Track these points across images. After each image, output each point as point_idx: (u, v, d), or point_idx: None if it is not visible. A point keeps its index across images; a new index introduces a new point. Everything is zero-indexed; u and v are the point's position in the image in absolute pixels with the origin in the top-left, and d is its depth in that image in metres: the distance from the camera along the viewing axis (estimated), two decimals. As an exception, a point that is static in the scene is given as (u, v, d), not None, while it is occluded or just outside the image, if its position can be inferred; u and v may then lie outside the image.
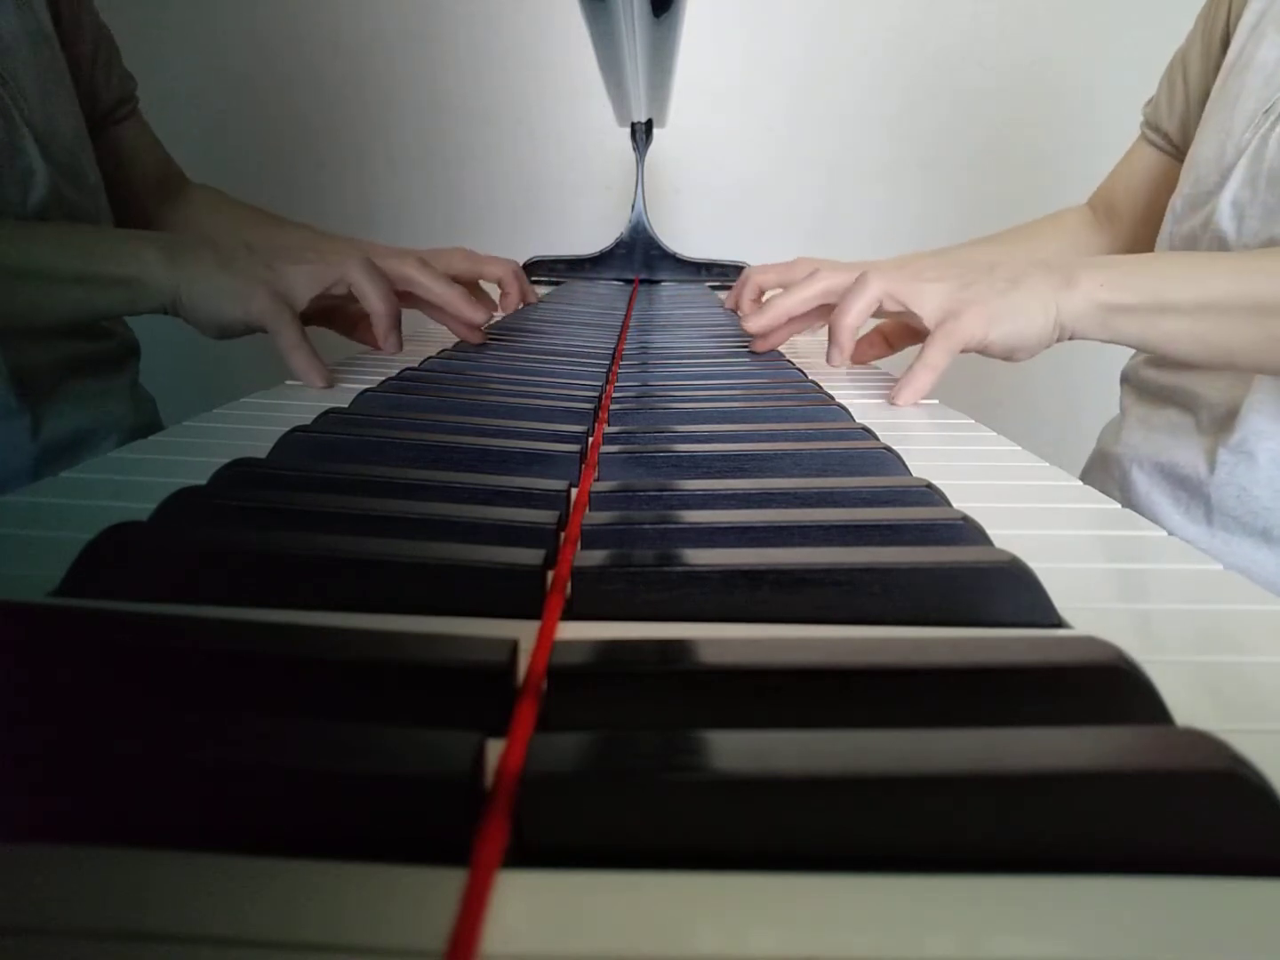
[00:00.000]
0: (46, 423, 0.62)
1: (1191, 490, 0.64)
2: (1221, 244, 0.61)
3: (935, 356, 0.51)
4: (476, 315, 0.61)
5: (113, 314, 0.54)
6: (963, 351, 0.52)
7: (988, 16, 1.30)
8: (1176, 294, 0.49)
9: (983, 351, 0.52)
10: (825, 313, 0.59)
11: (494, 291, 0.83)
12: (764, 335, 0.60)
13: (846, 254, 0.91)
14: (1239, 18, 0.64)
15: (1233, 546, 0.61)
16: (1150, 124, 0.77)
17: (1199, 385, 0.64)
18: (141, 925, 0.12)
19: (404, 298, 0.61)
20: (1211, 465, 0.62)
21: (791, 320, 0.59)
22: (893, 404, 0.52)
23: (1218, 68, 0.67)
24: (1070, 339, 0.52)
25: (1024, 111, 1.33)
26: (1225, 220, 0.60)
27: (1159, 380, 0.69)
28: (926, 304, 0.53)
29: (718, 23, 1.28)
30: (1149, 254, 0.52)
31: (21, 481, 0.55)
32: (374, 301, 0.56)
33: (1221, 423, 0.62)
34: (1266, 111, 0.58)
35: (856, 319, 0.54)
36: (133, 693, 0.18)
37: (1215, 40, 0.69)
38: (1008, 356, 0.52)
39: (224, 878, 0.13)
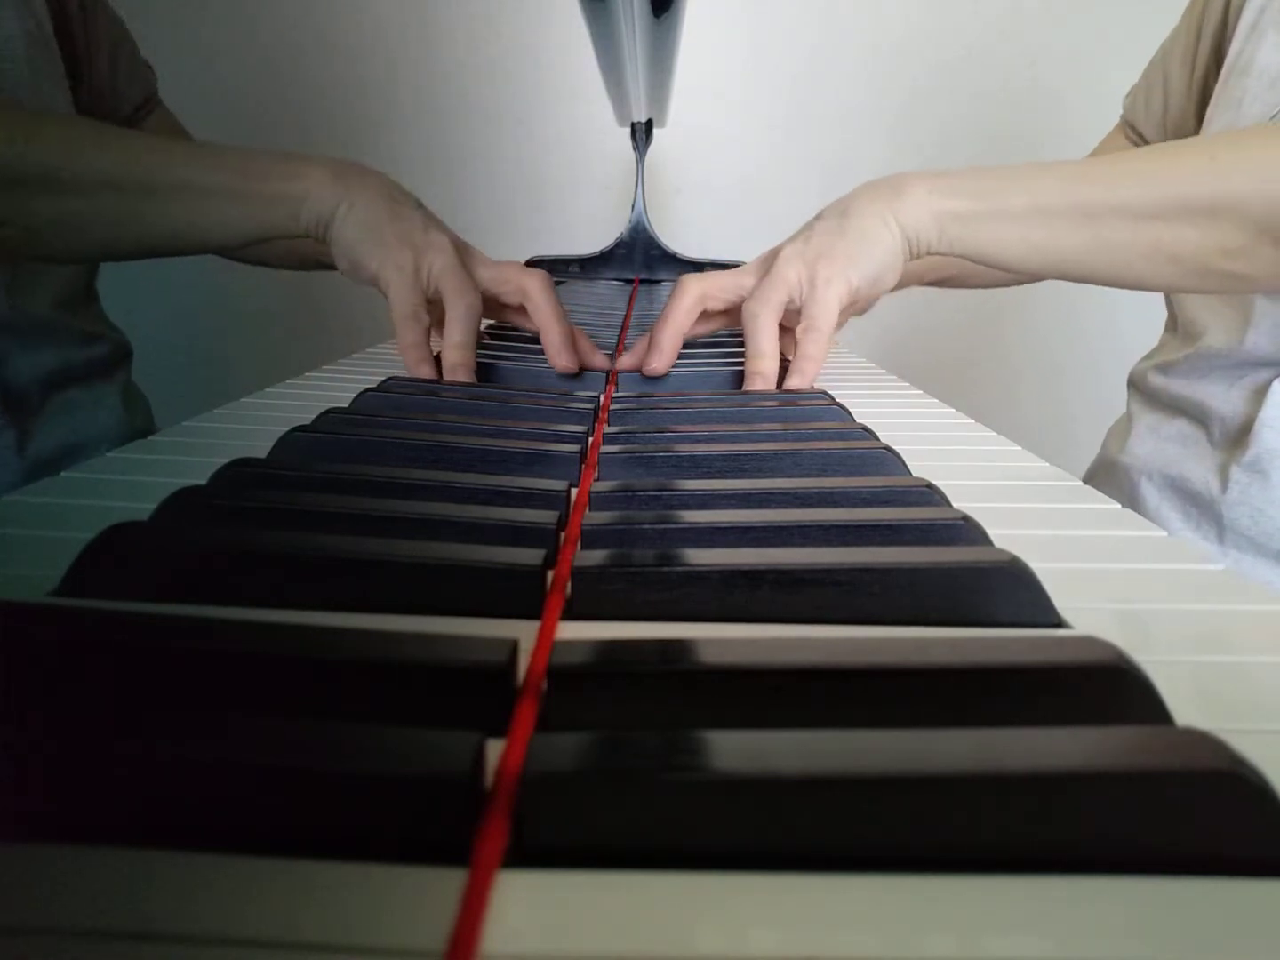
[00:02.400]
0: (34, 438, 0.60)
1: (1203, 507, 0.63)
2: None
3: (812, 348, 0.49)
4: (561, 359, 0.53)
5: (269, 234, 0.51)
6: (842, 315, 0.50)
7: (988, 17, 1.30)
8: (1007, 198, 0.49)
9: (855, 303, 0.50)
10: (721, 315, 0.56)
11: None
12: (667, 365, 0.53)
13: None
14: (1238, 15, 0.63)
15: (1245, 567, 0.60)
16: (1127, 119, 0.75)
17: (1210, 398, 0.63)
18: (141, 925, 0.12)
19: (491, 307, 0.55)
20: (1224, 483, 0.60)
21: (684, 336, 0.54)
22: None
23: (1205, 69, 0.66)
24: (916, 257, 0.50)
25: (1023, 112, 1.33)
26: None
27: (1168, 389, 0.68)
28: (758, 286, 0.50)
29: (718, 23, 1.28)
30: (977, 166, 0.51)
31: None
32: (455, 332, 0.50)
33: (1234, 438, 0.61)
34: (1273, 119, 0.57)
35: (679, 324, 0.52)
36: (132, 692, 0.18)
37: (1205, 40, 0.67)
38: (875, 294, 0.51)
39: (224, 878, 0.13)
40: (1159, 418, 0.69)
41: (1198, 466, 0.63)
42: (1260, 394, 0.59)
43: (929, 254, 0.50)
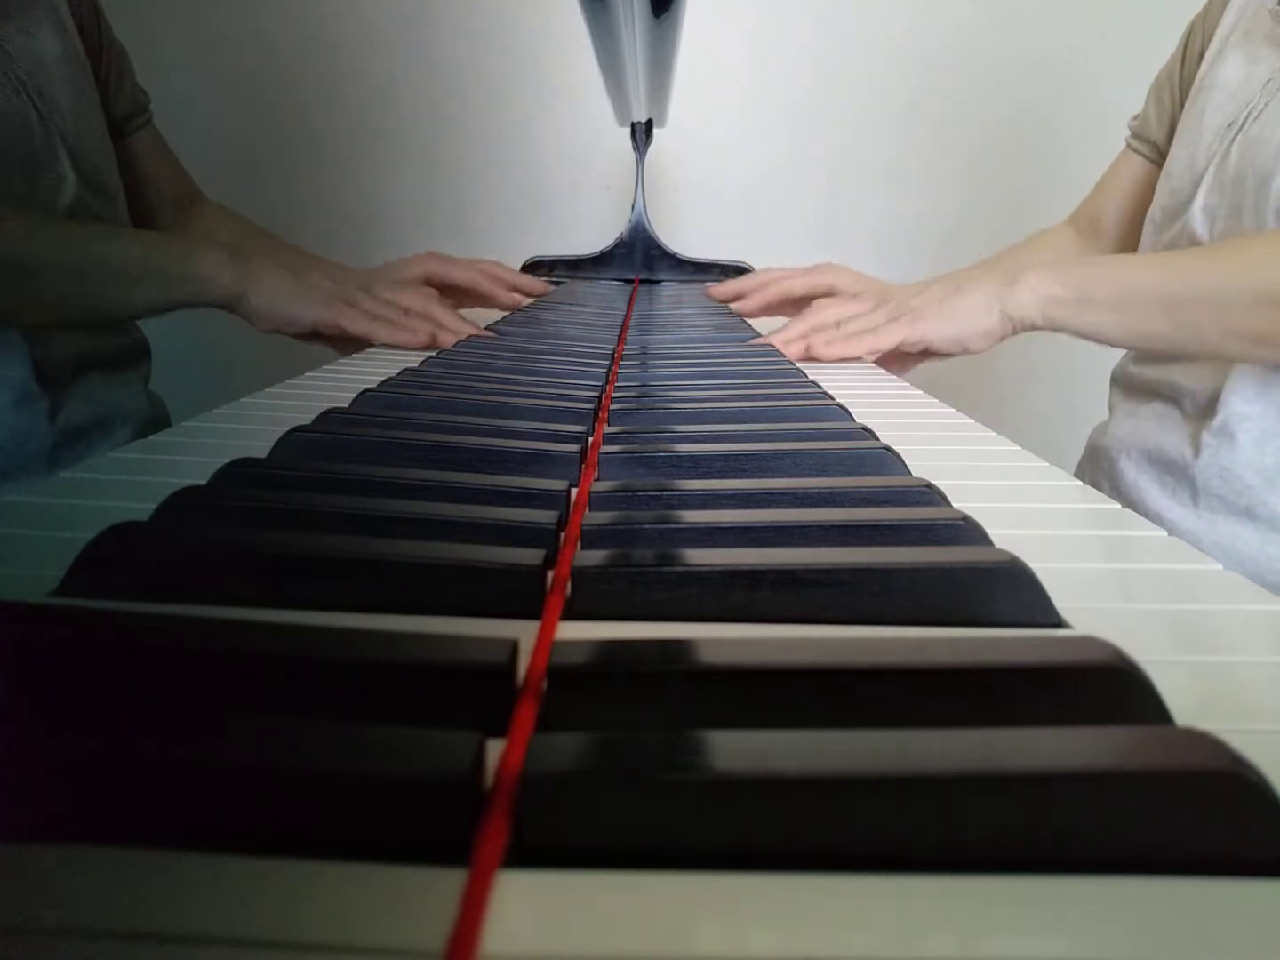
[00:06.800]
0: (64, 409, 0.65)
1: (1177, 474, 0.66)
2: (1194, 245, 0.65)
3: (845, 347, 0.63)
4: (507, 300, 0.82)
5: (181, 306, 0.63)
6: (907, 350, 0.63)
7: (987, 14, 1.30)
8: (1099, 290, 0.60)
9: (929, 348, 0.63)
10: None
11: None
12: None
13: (848, 254, 0.91)
14: (1209, 42, 0.70)
15: (1217, 525, 0.64)
16: (1138, 135, 0.80)
17: (1180, 377, 0.67)
18: (141, 925, 0.12)
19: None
20: (1196, 449, 0.64)
21: None
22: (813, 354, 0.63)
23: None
24: (1017, 333, 0.62)
25: (1025, 109, 1.33)
26: (1198, 225, 0.64)
27: (1144, 375, 0.71)
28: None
29: (718, 22, 1.28)
30: (1086, 258, 0.64)
31: (40, 462, 0.62)
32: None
33: (1204, 409, 0.65)
34: (1230, 125, 0.62)
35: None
36: (132, 693, 0.18)
37: (1193, 61, 0.73)
38: (954, 353, 0.64)
39: (224, 878, 0.13)
40: (1136, 404, 0.73)
41: (1172, 437, 0.67)
42: (1226, 367, 0.63)
43: (1034, 330, 0.62)
